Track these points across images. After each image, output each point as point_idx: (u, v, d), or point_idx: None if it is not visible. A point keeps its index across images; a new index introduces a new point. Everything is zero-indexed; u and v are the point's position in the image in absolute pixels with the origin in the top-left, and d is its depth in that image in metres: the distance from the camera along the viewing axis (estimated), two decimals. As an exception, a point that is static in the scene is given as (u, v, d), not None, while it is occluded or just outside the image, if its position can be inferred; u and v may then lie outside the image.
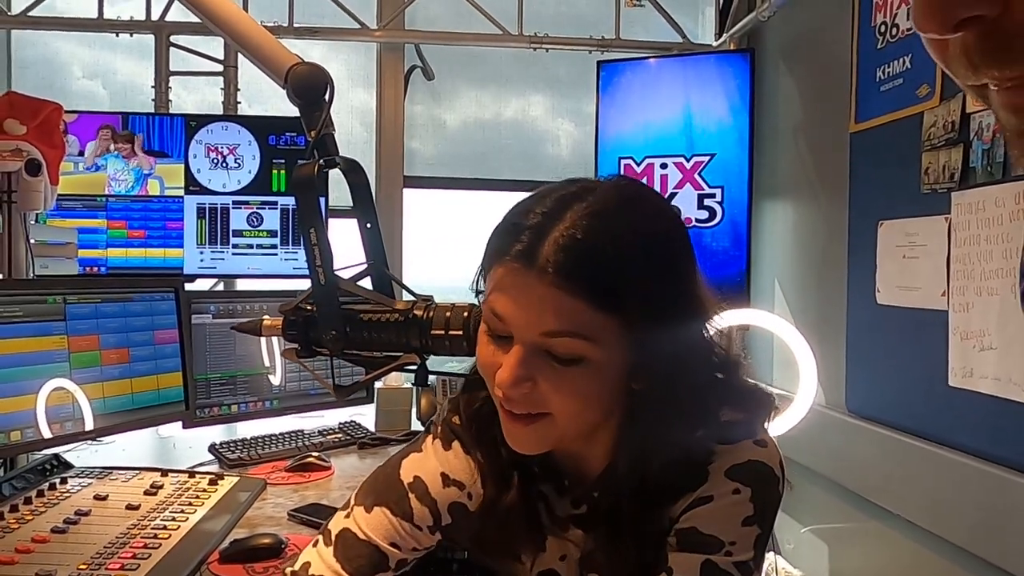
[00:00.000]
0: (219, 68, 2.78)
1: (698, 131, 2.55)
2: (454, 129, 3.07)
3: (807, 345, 1.97)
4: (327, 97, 0.87)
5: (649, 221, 0.77)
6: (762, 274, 2.58)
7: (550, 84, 3.09)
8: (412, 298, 0.85)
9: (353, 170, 0.88)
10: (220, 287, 2.65)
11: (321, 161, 0.86)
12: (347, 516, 0.88)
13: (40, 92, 2.78)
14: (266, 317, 0.88)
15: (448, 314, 0.82)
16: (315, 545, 0.88)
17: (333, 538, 0.87)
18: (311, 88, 0.87)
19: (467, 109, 3.08)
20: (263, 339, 1.96)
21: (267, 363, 2.09)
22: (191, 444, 1.98)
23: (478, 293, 0.80)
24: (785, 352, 2.11)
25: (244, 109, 2.83)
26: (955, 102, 1.59)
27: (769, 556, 2.30)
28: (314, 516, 1.44)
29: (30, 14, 2.71)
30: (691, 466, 0.79)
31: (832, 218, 2.13)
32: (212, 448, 1.88)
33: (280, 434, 2.02)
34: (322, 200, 2.32)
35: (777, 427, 1.97)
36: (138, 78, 2.91)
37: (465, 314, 0.82)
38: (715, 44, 2.88)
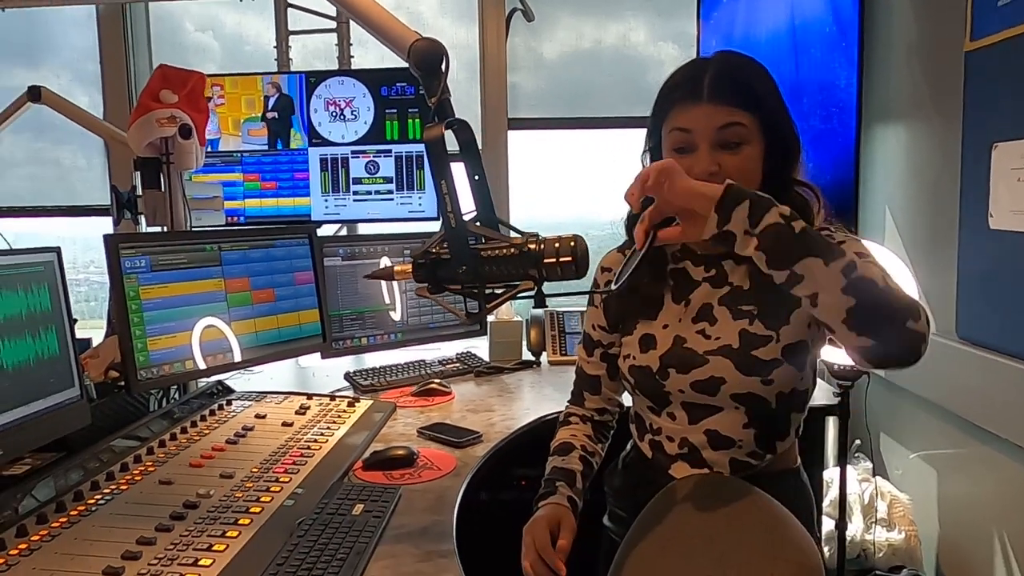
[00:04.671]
0: (332, 25, 2.94)
1: (804, 51, 2.49)
2: (552, 60, 3.10)
3: (912, 276, 1.96)
4: (444, 67, 0.99)
5: (760, 64, 1.17)
6: (873, 201, 2.53)
7: (650, 6, 3.05)
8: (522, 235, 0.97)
9: (463, 129, 1.01)
10: (343, 231, 2.86)
11: (443, 124, 0.98)
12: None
13: (157, 48, 3.04)
14: (396, 264, 1.04)
15: (557, 245, 0.95)
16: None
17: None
18: (430, 61, 1.00)
19: (566, 40, 3.09)
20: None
21: (387, 300, 2.29)
22: (327, 373, 2.22)
23: (648, 150, 1.19)
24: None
25: (355, 62, 2.98)
26: (1077, 15, 1.51)
27: (877, 480, 2.33)
28: (442, 433, 1.62)
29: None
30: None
31: (945, 141, 2.06)
32: (347, 376, 2.11)
33: (404, 364, 2.22)
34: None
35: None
36: (245, 30, 3.10)
37: (572, 243, 0.95)
38: (823, -39, 2.76)
